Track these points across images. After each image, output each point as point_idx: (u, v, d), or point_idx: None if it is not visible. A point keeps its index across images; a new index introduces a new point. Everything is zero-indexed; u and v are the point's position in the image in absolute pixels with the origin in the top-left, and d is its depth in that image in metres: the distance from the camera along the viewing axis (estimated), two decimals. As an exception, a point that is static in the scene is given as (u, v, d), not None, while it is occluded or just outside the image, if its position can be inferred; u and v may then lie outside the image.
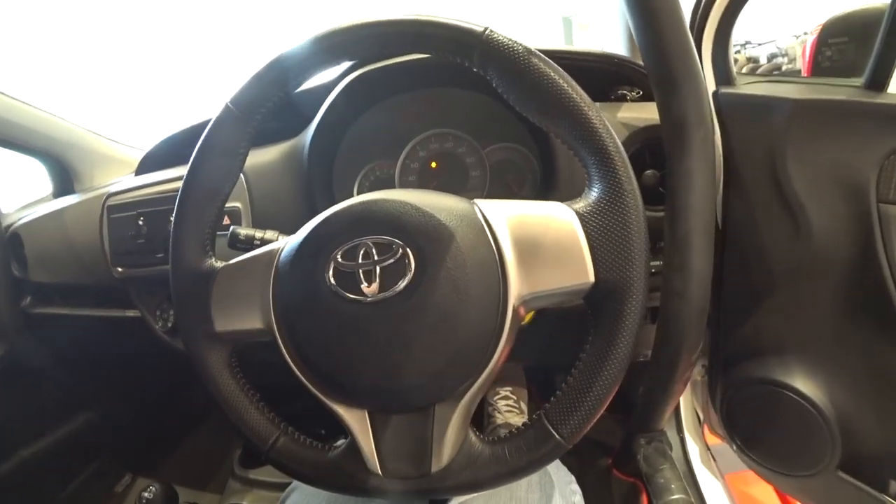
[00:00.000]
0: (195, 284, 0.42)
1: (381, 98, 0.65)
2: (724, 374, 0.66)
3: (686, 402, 0.89)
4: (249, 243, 0.48)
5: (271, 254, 0.40)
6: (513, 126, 0.64)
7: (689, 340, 0.47)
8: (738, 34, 0.63)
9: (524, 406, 0.98)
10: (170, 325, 0.76)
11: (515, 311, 0.35)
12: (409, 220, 0.35)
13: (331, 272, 0.35)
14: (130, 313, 0.85)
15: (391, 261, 0.34)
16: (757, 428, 0.65)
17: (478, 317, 0.34)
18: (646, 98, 0.63)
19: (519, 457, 0.36)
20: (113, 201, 0.77)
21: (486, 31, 0.35)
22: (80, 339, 1.09)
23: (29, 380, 1.04)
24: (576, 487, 0.57)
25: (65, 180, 1.14)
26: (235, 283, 0.41)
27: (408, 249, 0.34)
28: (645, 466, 0.61)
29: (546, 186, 0.62)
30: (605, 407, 0.36)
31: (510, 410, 0.94)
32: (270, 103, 0.41)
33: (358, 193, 0.69)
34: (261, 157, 0.68)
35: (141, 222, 0.72)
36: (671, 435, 0.88)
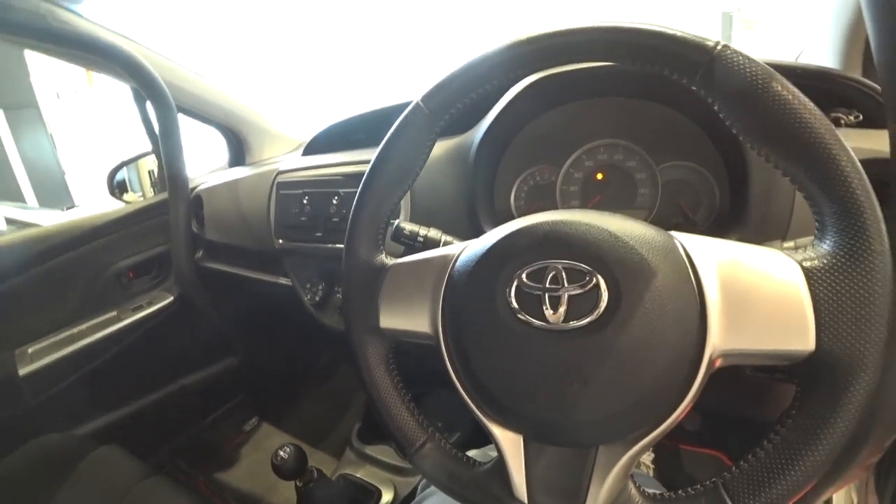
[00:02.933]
0: (366, 278, 0.43)
1: (558, 103, 0.62)
2: None
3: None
4: (413, 239, 0.49)
5: (445, 259, 0.40)
6: (694, 143, 0.58)
7: (888, 421, 0.39)
8: None
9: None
10: (317, 299, 0.82)
11: (710, 364, 0.31)
12: (608, 250, 0.32)
13: (513, 291, 0.34)
14: (283, 280, 0.94)
15: (582, 290, 0.32)
16: None
17: (668, 365, 0.31)
18: (866, 124, 0.53)
19: None
20: (282, 178, 0.85)
21: (719, 48, 0.30)
22: (235, 294, 1.25)
23: (194, 321, 1.21)
24: None
25: (238, 152, 1.31)
26: (406, 283, 0.41)
27: (602, 281, 0.32)
28: None
29: (729, 216, 0.55)
30: (799, 496, 0.30)
31: None
32: (461, 104, 0.39)
33: (515, 199, 0.67)
34: None
35: (305, 201, 0.79)
36: None
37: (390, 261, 0.43)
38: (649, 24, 0.33)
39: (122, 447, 0.87)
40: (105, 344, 1.06)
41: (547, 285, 0.33)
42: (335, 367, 1.57)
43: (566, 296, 0.32)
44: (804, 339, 0.29)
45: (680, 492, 0.33)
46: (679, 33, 0.31)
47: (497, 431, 0.36)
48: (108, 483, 0.79)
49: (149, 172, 1.38)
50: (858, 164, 0.29)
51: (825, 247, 0.30)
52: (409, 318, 0.40)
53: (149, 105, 1.06)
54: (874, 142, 0.48)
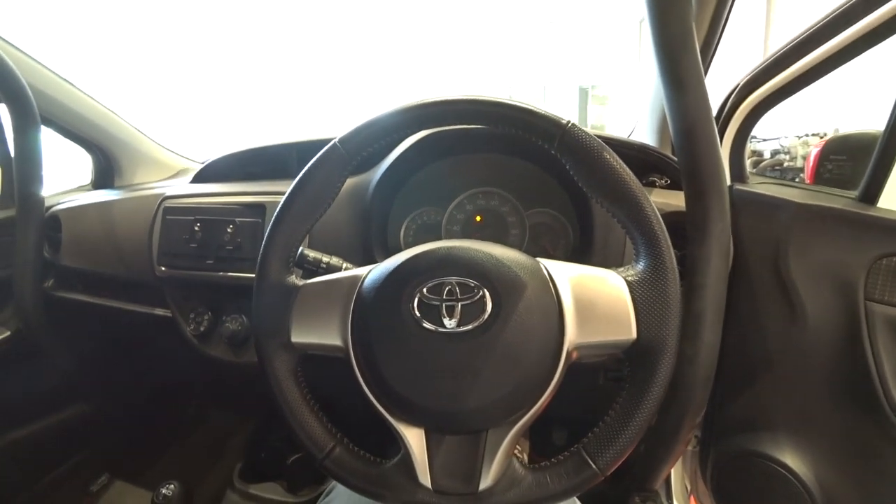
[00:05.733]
0: (277, 297, 0.46)
1: (446, 154, 0.72)
2: (716, 444, 0.71)
3: (676, 471, 0.92)
4: (316, 265, 0.53)
5: (354, 279, 0.45)
6: (554, 195, 0.71)
7: (695, 403, 0.53)
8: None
9: (525, 457, 1.00)
10: (202, 329, 0.79)
11: (569, 354, 0.40)
12: (491, 269, 0.41)
13: (415, 303, 0.40)
14: (159, 311, 0.88)
15: (472, 300, 0.40)
16: (744, 499, 0.68)
17: (538, 356, 0.40)
18: (673, 187, 0.71)
19: (559, 482, 0.40)
20: (170, 203, 0.82)
21: (569, 125, 0.42)
22: (90, 330, 1.11)
23: (35, 360, 1.05)
24: None
25: (106, 173, 1.20)
26: (316, 301, 0.45)
27: (487, 293, 0.40)
28: None
29: (580, 251, 0.68)
30: (635, 444, 0.40)
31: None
32: (371, 149, 0.46)
33: (405, 235, 0.75)
34: None
35: (197, 228, 0.77)
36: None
37: (301, 282, 0.47)
38: (522, 101, 0.43)
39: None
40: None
41: (444, 297, 0.40)
42: (203, 415, 1.44)
43: (459, 305, 0.40)
44: (630, 331, 0.40)
45: (553, 459, 0.42)
46: (543, 111, 0.43)
47: (401, 428, 0.42)
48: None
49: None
50: (657, 211, 0.41)
51: (639, 266, 0.42)
52: (320, 333, 0.44)
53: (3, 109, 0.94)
54: (677, 199, 0.65)
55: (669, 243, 0.41)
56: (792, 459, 0.60)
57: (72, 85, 1.07)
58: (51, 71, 1.03)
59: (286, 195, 0.47)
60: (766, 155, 2.35)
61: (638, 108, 0.94)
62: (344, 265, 0.54)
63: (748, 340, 0.64)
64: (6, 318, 1.01)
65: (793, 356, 0.59)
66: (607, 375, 0.75)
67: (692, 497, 0.92)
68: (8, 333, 0.98)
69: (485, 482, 0.41)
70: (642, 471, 0.66)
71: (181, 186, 0.87)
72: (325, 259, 0.54)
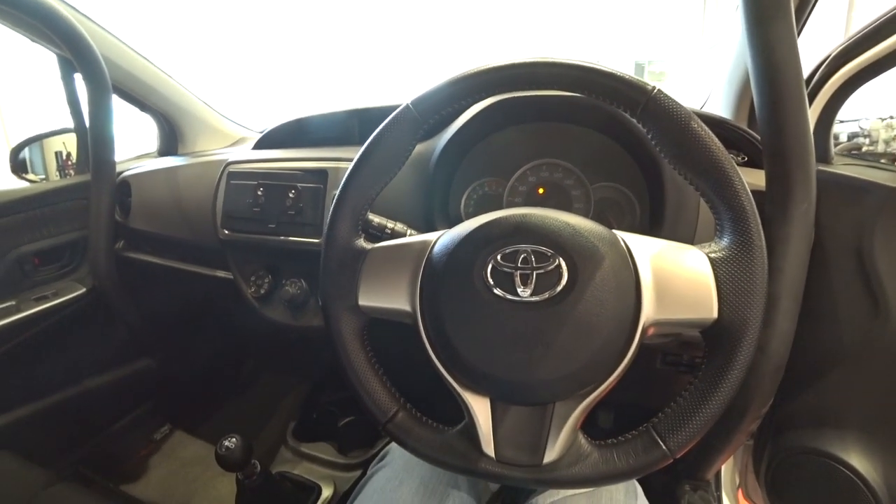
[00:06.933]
0: (346, 260, 0.46)
1: (511, 123, 0.70)
2: (774, 439, 0.68)
3: (726, 464, 0.89)
4: (381, 231, 0.54)
5: (424, 244, 0.44)
6: (622, 169, 0.68)
7: (762, 393, 0.50)
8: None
9: None
10: (262, 291, 0.82)
11: (644, 331, 0.38)
12: (568, 238, 0.39)
13: (488, 270, 0.39)
14: (221, 274, 0.92)
15: (546, 269, 0.38)
16: (801, 498, 0.65)
17: (612, 330, 0.38)
18: (750, 164, 0.67)
19: (626, 461, 0.39)
20: (234, 168, 0.84)
21: (655, 91, 0.39)
22: (156, 290, 1.18)
23: (107, 316, 1.12)
24: None
25: (171, 141, 1.25)
26: (385, 266, 0.45)
27: (563, 262, 0.38)
28: None
29: (647, 228, 0.65)
30: (708, 428, 0.39)
31: None
32: (445, 112, 0.44)
33: (465, 206, 0.74)
34: None
35: (260, 192, 0.78)
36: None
37: (369, 245, 0.47)
38: (605, 65, 0.41)
39: (18, 454, 0.78)
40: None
41: (519, 265, 0.39)
42: (257, 375, 1.51)
43: (535, 274, 0.39)
44: (710, 310, 0.38)
45: (620, 437, 0.41)
46: (628, 76, 0.40)
47: (467, 396, 0.41)
48: (2, 493, 0.71)
49: (56, 154, 1.26)
50: (747, 185, 0.39)
51: (723, 242, 0.40)
52: (388, 297, 0.44)
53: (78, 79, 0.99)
54: (754, 178, 0.60)
55: (758, 219, 0.38)
56: (859, 461, 0.57)
57: (141, 56, 1.11)
58: (121, 42, 1.07)
59: (357, 157, 0.46)
60: (843, 138, 2.17)
61: (713, 79, 0.88)
62: (409, 231, 0.54)
63: (821, 331, 0.60)
64: (82, 275, 1.08)
65: (872, 352, 0.55)
66: (665, 360, 0.72)
67: (741, 491, 0.89)
68: (83, 290, 1.05)
69: (550, 455, 0.40)
70: (696, 459, 0.64)
71: (244, 152, 0.89)
72: (390, 225, 0.54)
